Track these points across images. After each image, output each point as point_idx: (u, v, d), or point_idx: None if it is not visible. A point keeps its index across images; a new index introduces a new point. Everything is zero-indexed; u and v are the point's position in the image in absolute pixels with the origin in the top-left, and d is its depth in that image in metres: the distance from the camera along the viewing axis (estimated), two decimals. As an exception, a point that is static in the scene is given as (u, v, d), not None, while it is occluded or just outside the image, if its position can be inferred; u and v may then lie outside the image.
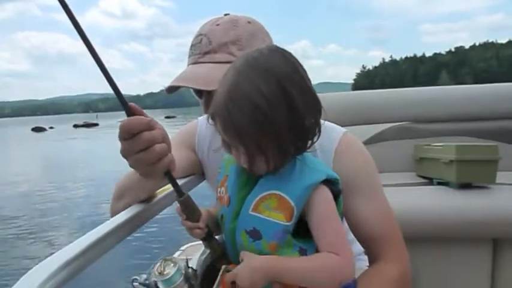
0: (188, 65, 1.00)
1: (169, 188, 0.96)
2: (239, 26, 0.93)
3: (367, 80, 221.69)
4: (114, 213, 0.79)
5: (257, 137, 0.62)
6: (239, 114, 0.62)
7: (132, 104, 0.64)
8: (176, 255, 1.74)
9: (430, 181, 1.97)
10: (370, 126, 2.32)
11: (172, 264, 0.69)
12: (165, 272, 0.67)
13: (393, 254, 0.87)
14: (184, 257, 0.77)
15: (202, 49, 0.94)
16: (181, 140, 1.10)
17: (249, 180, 0.72)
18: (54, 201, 8.81)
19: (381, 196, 0.90)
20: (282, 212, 0.65)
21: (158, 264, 0.69)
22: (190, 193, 0.74)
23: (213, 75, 0.86)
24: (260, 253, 0.67)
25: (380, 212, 0.88)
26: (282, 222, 0.65)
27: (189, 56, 0.99)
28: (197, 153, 1.08)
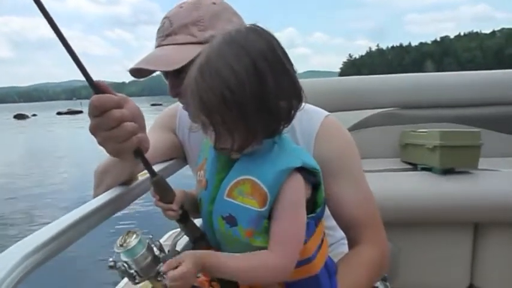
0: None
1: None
2: (202, 6, 0.91)
3: (353, 68, 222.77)
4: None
5: (223, 113, 0.61)
6: (207, 88, 0.60)
7: (99, 81, 0.63)
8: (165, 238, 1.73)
9: (414, 167, 1.99)
10: (357, 112, 2.32)
11: (134, 236, 0.67)
12: (125, 244, 0.66)
13: (372, 236, 0.88)
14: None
15: (164, 32, 0.93)
16: (162, 123, 1.09)
17: (226, 164, 0.70)
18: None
19: (362, 180, 0.91)
20: (256, 197, 0.64)
21: (120, 237, 0.68)
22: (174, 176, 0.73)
23: (173, 56, 0.86)
24: (237, 239, 0.66)
25: (361, 196, 0.89)
26: (255, 209, 0.64)
27: (155, 40, 0.98)
28: (178, 136, 1.08)
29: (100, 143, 0.65)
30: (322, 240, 0.73)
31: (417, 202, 1.74)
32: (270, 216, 0.65)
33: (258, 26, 0.66)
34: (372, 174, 1.88)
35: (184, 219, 0.74)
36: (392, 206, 1.72)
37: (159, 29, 0.96)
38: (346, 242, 0.93)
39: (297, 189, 0.65)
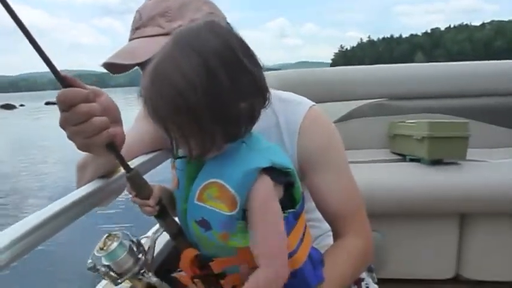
0: None
1: (134, 162, 0.92)
2: None
3: (345, 59, 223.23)
4: None
5: (176, 120, 0.58)
6: (158, 96, 0.57)
7: (67, 75, 0.60)
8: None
9: (403, 158, 2.00)
10: (345, 103, 2.32)
11: (115, 239, 0.66)
12: (105, 247, 0.65)
13: (357, 228, 0.88)
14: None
15: (134, 25, 0.92)
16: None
17: (196, 163, 0.67)
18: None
19: (347, 171, 0.90)
20: (224, 201, 0.61)
21: (101, 241, 0.67)
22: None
23: (140, 49, 0.85)
24: (213, 243, 0.64)
25: (345, 188, 0.88)
26: (224, 213, 0.61)
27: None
28: None
29: (69, 138, 0.63)
30: (304, 233, 0.72)
31: (405, 193, 1.74)
32: (245, 217, 0.62)
33: (215, 21, 0.63)
34: (361, 165, 1.88)
35: (162, 215, 0.71)
36: (380, 197, 1.72)
37: (132, 23, 0.95)
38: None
39: (267, 191, 0.62)
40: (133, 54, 0.85)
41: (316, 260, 0.75)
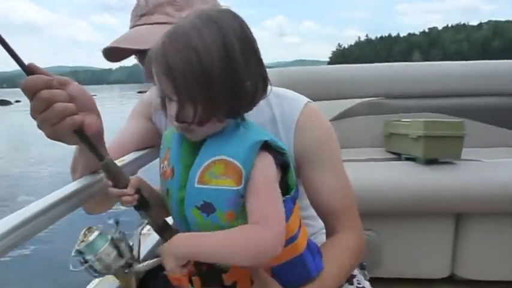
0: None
1: (125, 159, 0.91)
2: None
3: (342, 58, 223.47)
4: None
5: (188, 78, 0.58)
6: (174, 51, 0.58)
7: (31, 63, 0.60)
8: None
9: (398, 157, 2.00)
10: (341, 102, 2.32)
11: (97, 231, 0.65)
12: (85, 239, 0.64)
13: (350, 224, 0.88)
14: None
15: (139, 12, 0.90)
16: (140, 110, 1.07)
17: (190, 149, 0.67)
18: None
19: (341, 168, 0.90)
20: (230, 176, 0.61)
21: (82, 233, 0.65)
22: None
23: (146, 35, 0.83)
24: (218, 226, 0.62)
25: (339, 184, 0.88)
26: (232, 188, 0.61)
27: (130, 22, 0.94)
28: (155, 124, 1.04)
29: (38, 127, 0.63)
30: (300, 221, 0.72)
31: (400, 192, 1.74)
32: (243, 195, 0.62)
33: (233, 11, 0.65)
34: (356, 163, 1.88)
35: (143, 207, 0.70)
36: (375, 196, 1.72)
37: (133, 10, 0.93)
38: None
39: (268, 165, 0.63)
40: (142, 40, 0.83)
41: (314, 250, 0.75)
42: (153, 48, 0.62)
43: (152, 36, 0.80)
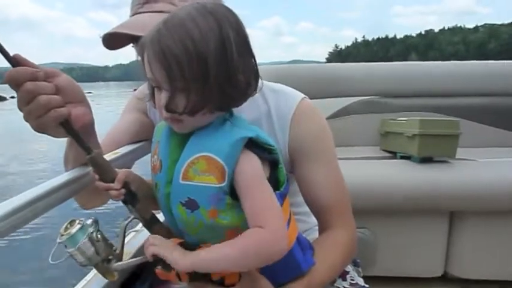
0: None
1: (119, 151, 0.90)
2: None
3: (339, 58, 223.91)
4: None
5: (183, 65, 0.57)
6: (169, 37, 0.58)
7: (17, 54, 0.60)
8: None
9: (393, 155, 2.00)
10: (337, 100, 2.31)
11: (78, 225, 0.64)
12: (66, 232, 0.63)
13: (343, 220, 0.88)
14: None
15: None
16: (134, 104, 1.07)
17: (178, 143, 0.66)
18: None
19: (335, 164, 0.90)
20: (212, 173, 0.60)
21: (63, 226, 0.65)
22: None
23: (148, 22, 0.81)
24: (202, 223, 0.62)
25: (334, 180, 0.88)
26: (213, 185, 0.60)
27: (131, 10, 0.93)
28: (150, 117, 1.04)
29: (25, 119, 0.62)
30: (290, 217, 0.72)
31: (395, 190, 1.74)
32: (232, 193, 0.61)
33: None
34: (352, 161, 1.88)
35: (131, 201, 0.68)
36: (370, 194, 1.72)
37: None
38: None
39: (254, 162, 0.62)
40: (143, 27, 0.80)
41: (305, 245, 0.75)
42: (146, 35, 0.61)
43: (154, 23, 0.79)
